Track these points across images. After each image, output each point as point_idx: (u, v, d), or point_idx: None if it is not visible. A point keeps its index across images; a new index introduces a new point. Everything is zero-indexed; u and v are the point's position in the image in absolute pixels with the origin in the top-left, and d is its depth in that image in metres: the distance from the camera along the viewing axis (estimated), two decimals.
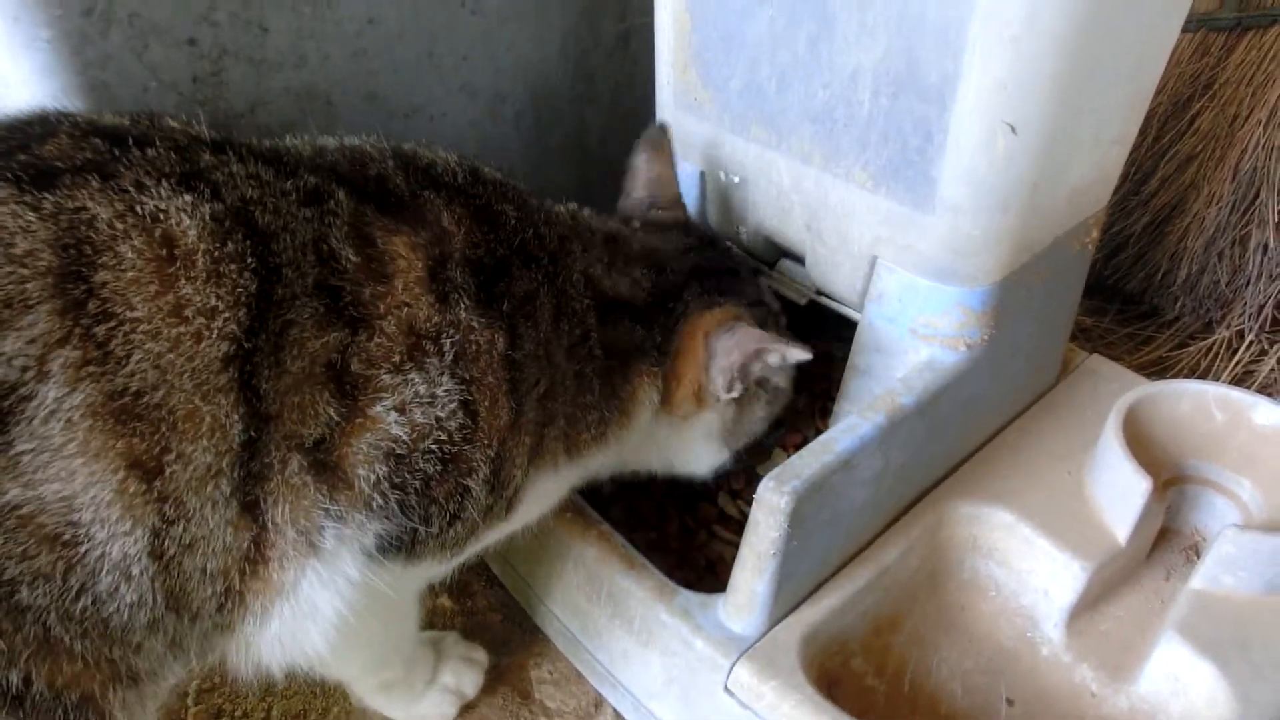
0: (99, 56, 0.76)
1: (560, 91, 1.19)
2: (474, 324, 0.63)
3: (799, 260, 0.92)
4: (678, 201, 0.91)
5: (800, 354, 0.78)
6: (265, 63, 0.87)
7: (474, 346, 0.63)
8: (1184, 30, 0.92)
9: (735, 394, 0.81)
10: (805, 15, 0.76)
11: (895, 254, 0.82)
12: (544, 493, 0.77)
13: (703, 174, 0.96)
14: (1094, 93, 0.75)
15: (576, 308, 0.73)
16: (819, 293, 0.93)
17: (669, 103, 0.95)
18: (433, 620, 0.99)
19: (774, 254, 0.97)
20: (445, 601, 1.01)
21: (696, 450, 0.87)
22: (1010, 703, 0.85)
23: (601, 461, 0.81)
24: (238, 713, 0.90)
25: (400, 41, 0.98)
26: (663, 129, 0.91)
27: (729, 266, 0.88)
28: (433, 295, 0.62)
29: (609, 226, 0.83)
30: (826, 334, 1.08)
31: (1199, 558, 0.88)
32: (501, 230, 0.69)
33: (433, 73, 1.03)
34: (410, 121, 1.04)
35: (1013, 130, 0.70)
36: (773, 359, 0.80)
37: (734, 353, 0.79)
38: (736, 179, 0.92)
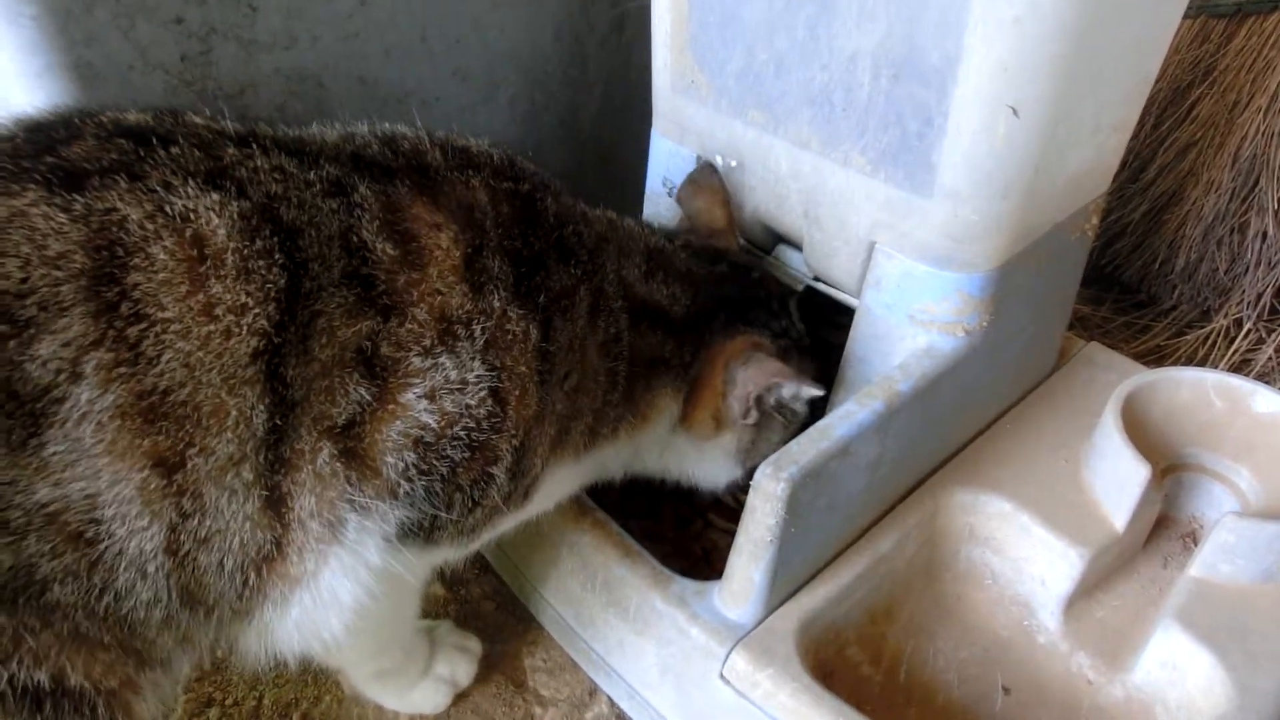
0: (84, 34, 0.75)
1: (554, 77, 1.18)
2: (510, 314, 0.63)
3: (796, 246, 0.92)
4: (722, 232, 0.91)
5: (812, 390, 0.79)
6: (255, 43, 0.86)
7: (508, 336, 0.63)
8: (1184, 16, 0.91)
9: (751, 421, 0.82)
10: None
11: (894, 240, 0.81)
12: (559, 484, 0.78)
13: (698, 158, 0.95)
14: (1096, 76, 0.74)
15: (612, 307, 0.74)
16: (816, 279, 0.92)
17: (665, 86, 0.94)
18: (426, 609, 0.98)
19: (771, 240, 0.96)
20: (438, 589, 1.00)
21: (713, 467, 0.88)
22: (1007, 691, 0.85)
23: (615, 456, 0.82)
24: (228, 701, 0.89)
25: (392, 24, 0.97)
26: (704, 166, 0.93)
27: (758, 296, 0.88)
28: (467, 285, 0.61)
29: (651, 239, 0.83)
30: (824, 321, 1.08)
31: (1196, 546, 0.88)
32: (541, 224, 0.69)
33: (425, 56, 1.02)
34: (403, 106, 1.03)
35: (1014, 113, 0.69)
36: (786, 392, 0.81)
37: (749, 383, 0.80)
38: (733, 163, 0.91)
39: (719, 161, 0.93)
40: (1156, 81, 0.97)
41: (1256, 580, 0.82)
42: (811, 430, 0.77)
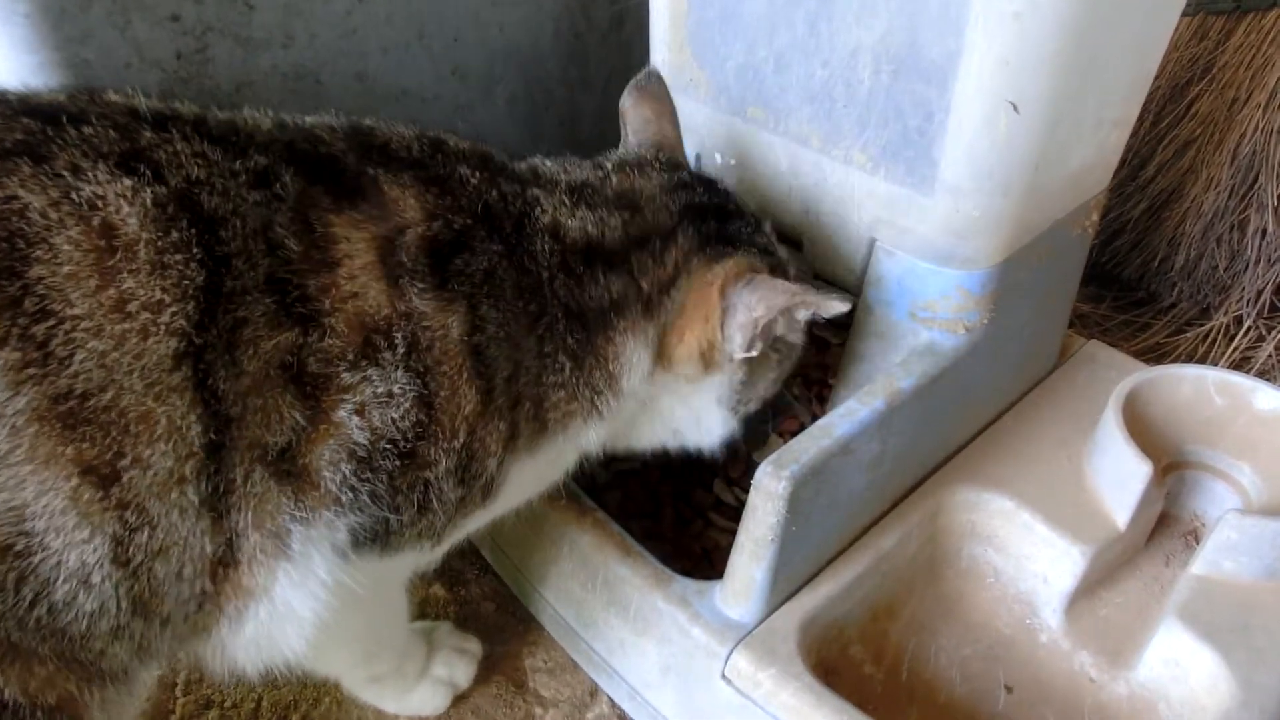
0: (79, 32, 0.74)
1: (553, 75, 1.18)
2: (425, 310, 0.59)
3: (796, 245, 0.91)
4: (672, 147, 0.82)
5: (839, 306, 0.70)
6: (251, 41, 0.86)
7: (427, 334, 0.60)
8: (1183, 13, 0.91)
9: (755, 352, 0.73)
10: None
11: (894, 237, 0.81)
12: (527, 477, 0.73)
13: (698, 156, 0.94)
14: (1097, 72, 0.74)
15: (540, 277, 0.67)
16: (817, 277, 0.91)
17: None
18: (425, 610, 0.98)
19: None
20: (438, 590, 1.00)
21: (704, 418, 0.79)
22: (1009, 690, 0.85)
23: (593, 436, 0.75)
24: (227, 704, 0.88)
25: (390, 22, 0.97)
26: (651, 73, 0.83)
27: (732, 208, 0.78)
28: (383, 282, 0.58)
29: (575, 175, 0.74)
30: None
31: (1199, 543, 0.88)
32: (460, 198, 0.64)
33: (423, 54, 1.02)
34: (401, 104, 1.02)
35: (1015, 109, 0.68)
36: (802, 314, 0.73)
37: (758, 308, 0.70)
38: (733, 161, 0.91)
39: (718, 159, 0.92)
40: (1155, 78, 0.97)
41: (1259, 577, 0.82)
42: (813, 428, 0.76)
